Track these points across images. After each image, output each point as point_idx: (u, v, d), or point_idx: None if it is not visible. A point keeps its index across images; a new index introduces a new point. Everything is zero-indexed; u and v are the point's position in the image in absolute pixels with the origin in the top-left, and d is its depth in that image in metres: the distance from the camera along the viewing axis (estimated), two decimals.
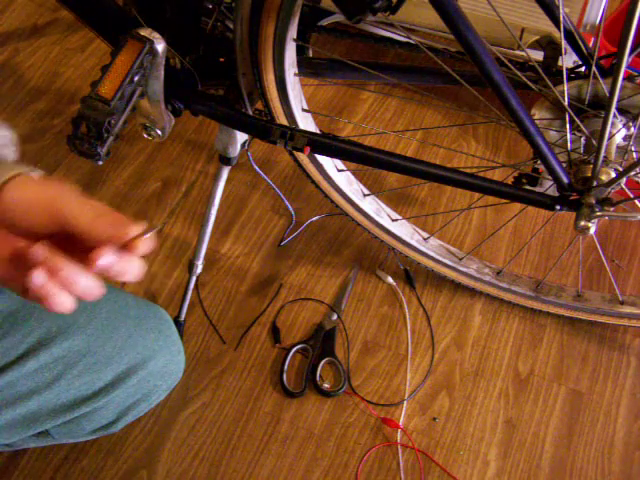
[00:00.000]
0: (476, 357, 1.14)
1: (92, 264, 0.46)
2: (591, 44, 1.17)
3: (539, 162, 0.77)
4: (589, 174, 0.77)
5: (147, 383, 0.78)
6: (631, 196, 0.83)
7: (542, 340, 1.15)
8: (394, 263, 1.22)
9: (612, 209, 0.77)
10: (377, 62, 0.92)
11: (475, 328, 1.16)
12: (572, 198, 0.79)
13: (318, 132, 0.97)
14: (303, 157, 0.97)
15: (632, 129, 0.81)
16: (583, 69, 0.82)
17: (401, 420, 1.07)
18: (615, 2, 1.43)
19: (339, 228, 1.26)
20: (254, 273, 1.21)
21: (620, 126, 0.81)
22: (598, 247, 1.14)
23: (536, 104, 0.85)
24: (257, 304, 1.17)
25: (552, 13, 0.78)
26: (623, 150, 0.84)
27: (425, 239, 1.11)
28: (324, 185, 1.02)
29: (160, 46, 0.69)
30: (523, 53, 1.16)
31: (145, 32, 0.68)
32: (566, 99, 0.79)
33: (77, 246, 0.48)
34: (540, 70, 0.78)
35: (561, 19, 0.76)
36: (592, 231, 0.77)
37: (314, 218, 1.27)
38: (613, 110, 0.69)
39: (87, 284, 0.47)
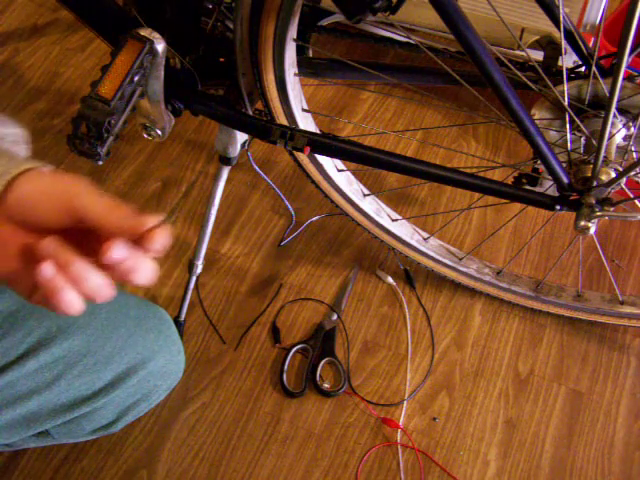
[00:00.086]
0: (476, 357, 1.14)
1: (103, 255, 0.43)
2: (591, 44, 1.17)
3: (539, 162, 0.77)
4: (589, 174, 0.77)
5: (147, 383, 0.78)
6: (631, 196, 0.83)
7: (542, 340, 1.15)
8: (394, 263, 1.22)
9: (612, 209, 0.77)
10: (377, 62, 0.92)
11: (475, 328, 1.16)
12: (572, 198, 0.79)
13: (318, 132, 0.97)
14: (303, 157, 0.97)
15: (632, 129, 0.81)
16: (583, 69, 0.82)
17: (401, 420, 1.07)
18: (615, 2, 1.43)
19: (339, 228, 1.26)
20: (254, 273, 1.21)
21: (620, 126, 0.81)
22: (598, 247, 1.14)
23: (536, 104, 0.85)
24: (257, 304, 1.17)
25: (552, 13, 0.78)
26: (623, 150, 0.84)
27: (425, 239, 1.11)
28: (324, 185, 1.02)
29: (160, 46, 0.69)
30: (523, 53, 1.16)
31: (145, 32, 0.68)
32: (566, 99, 0.79)
33: (89, 245, 0.46)
34: (540, 70, 0.78)
35: (561, 19, 0.76)
36: (592, 231, 0.78)
37: (314, 218, 1.27)
38: (613, 110, 0.69)
39: (97, 282, 0.44)
